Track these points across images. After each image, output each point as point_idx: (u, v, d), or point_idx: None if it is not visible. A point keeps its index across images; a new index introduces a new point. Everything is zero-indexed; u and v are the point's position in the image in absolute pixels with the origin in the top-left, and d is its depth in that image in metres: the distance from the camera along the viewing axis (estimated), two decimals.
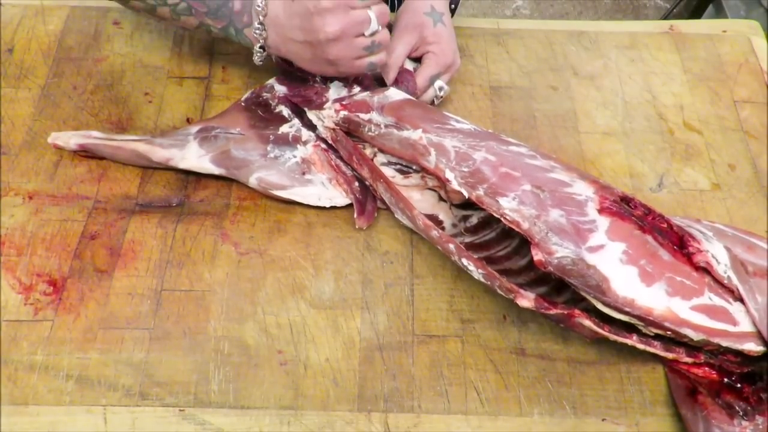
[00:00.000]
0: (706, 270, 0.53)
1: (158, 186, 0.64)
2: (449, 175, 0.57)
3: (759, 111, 0.72)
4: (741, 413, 0.51)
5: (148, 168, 0.65)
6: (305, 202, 0.63)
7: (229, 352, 0.55)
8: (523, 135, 0.69)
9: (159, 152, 0.62)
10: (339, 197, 0.63)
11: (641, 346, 0.53)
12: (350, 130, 0.64)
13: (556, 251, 0.52)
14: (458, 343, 0.57)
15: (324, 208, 0.64)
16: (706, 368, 0.54)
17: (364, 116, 0.63)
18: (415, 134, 0.60)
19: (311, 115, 0.65)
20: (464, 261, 0.56)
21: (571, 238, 0.52)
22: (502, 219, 0.54)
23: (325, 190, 0.63)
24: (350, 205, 0.64)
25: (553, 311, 0.52)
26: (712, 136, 0.70)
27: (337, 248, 0.62)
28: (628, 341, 0.53)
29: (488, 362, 0.56)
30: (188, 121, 0.69)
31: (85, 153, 0.65)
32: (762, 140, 0.70)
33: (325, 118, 0.64)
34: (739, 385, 0.53)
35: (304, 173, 0.63)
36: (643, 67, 0.76)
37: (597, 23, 0.81)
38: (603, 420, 0.54)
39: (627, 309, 0.51)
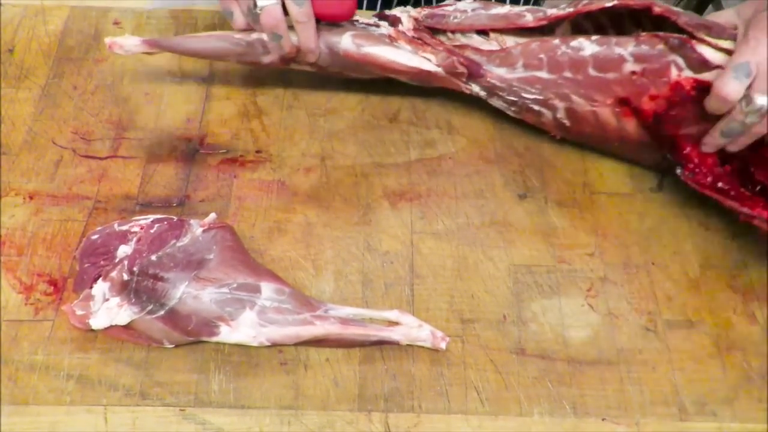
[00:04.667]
0: None
1: (158, 186, 0.64)
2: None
3: None
4: None
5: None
6: (397, 60, 0.64)
7: (229, 352, 0.55)
8: (524, 134, 0.70)
9: (241, 33, 0.64)
10: (426, 62, 0.65)
11: None
12: (432, 24, 0.66)
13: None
14: (458, 343, 0.57)
15: (325, 208, 0.64)
16: None
17: (448, 8, 0.67)
18: (504, 8, 0.65)
19: (397, 10, 0.68)
20: None
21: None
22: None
23: (414, 55, 0.65)
24: (350, 205, 0.64)
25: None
26: None
27: (337, 248, 0.62)
28: None
29: (488, 362, 0.56)
30: (189, 121, 0.69)
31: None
32: None
33: (411, 10, 0.67)
34: None
35: (392, 42, 0.65)
36: None
37: None
38: (603, 420, 0.54)
39: None
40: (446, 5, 0.68)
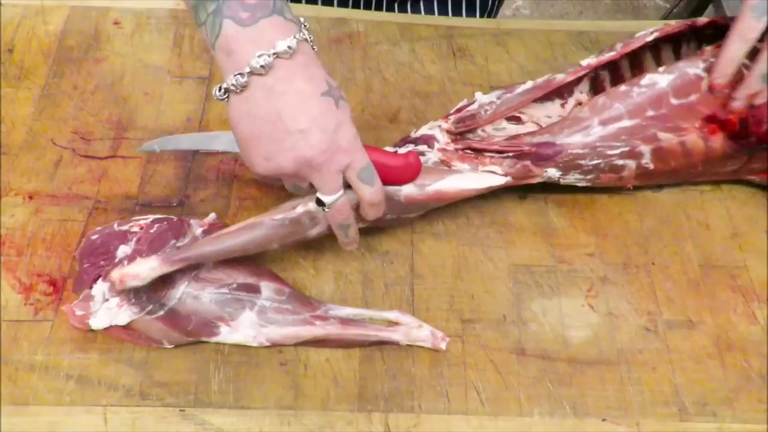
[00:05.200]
0: None
1: (158, 186, 0.64)
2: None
3: None
4: None
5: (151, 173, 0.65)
6: (468, 187, 0.59)
7: (229, 352, 0.55)
8: None
9: (280, 211, 0.55)
10: (494, 177, 0.60)
11: None
12: (465, 126, 0.62)
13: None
14: (458, 343, 0.57)
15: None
16: None
17: (472, 107, 0.63)
18: (527, 84, 0.63)
19: (425, 128, 0.62)
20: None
21: None
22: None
23: (481, 175, 0.60)
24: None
25: None
26: None
27: (337, 248, 0.61)
28: None
29: (488, 362, 0.56)
30: (188, 121, 0.69)
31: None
32: None
33: (440, 123, 0.62)
34: None
35: (449, 166, 0.60)
36: None
37: (597, 23, 0.81)
38: (603, 420, 0.54)
39: None
40: (466, 106, 0.63)
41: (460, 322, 0.58)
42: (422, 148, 0.61)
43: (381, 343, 0.56)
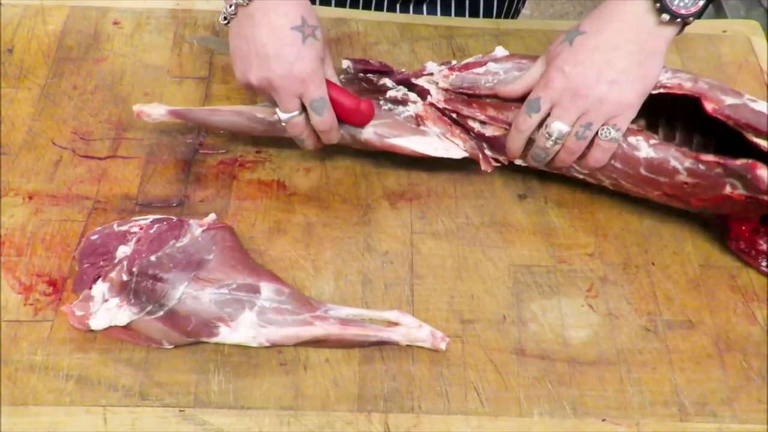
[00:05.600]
0: None
1: (158, 186, 0.64)
2: None
3: None
4: None
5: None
6: (422, 151, 0.63)
7: (229, 352, 0.55)
8: None
9: (263, 111, 0.64)
10: (455, 149, 0.64)
11: None
12: (463, 89, 0.64)
13: (725, 100, 0.57)
14: (458, 343, 0.57)
15: (324, 208, 0.64)
16: None
17: (479, 70, 0.64)
18: (537, 67, 0.60)
19: (422, 81, 0.66)
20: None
21: (726, 92, 0.57)
22: (662, 89, 0.58)
23: (440, 142, 0.64)
24: (350, 205, 0.64)
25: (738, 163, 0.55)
26: None
27: (337, 248, 0.62)
28: None
29: (488, 362, 0.56)
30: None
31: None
32: None
33: (440, 80, 0.65)
34: None
35: (419, 125, 0.64)
36: None
37: None
38: (603, 420, 0.54)
39: None
40: (477, 64, 0.65)
41: (460, 322, 0.58)
42: (412, 96, 0.66)
43: (381, 344, 0.56)
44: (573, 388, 0.55)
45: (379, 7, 0.84)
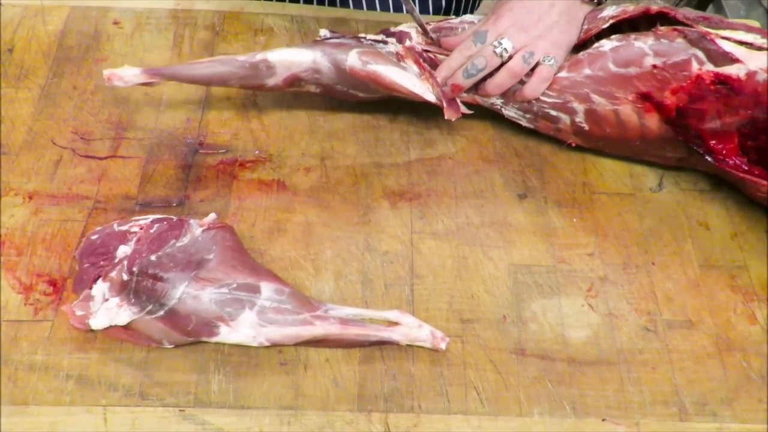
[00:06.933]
0: None
1: (158, 186, 0.64)
2: None
3: None
4: None
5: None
6: (401, 83, 0.63)
7: (229, 352, 0.55)
8: (524, 134, 0.69)
9: (243, 55, 0.64)
10: (428, 91, 0.65)
11: None
12: (440, 34, 0.68)
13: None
14: (458, 343, 0.57)
15: (324, 208, 0.64)
16: None
17: (454, 20, 0.69)
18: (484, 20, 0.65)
19: (403, 26, 0.69)
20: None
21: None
22: (611, 20, 0.63)
23: (418, 80, 0.65)
24: (350, 204, 0.64)
25: None
26: None
27: (337, 248, 0.62)
28: None
29: (488, 362, 0.56)
30: (188, 121, 0.69)
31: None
32: None
33: (418, 26, 0.68)
34: None
35: (399, 61, 0.66)
36: None
37: None
38: (603, 420, 0.54)
39: None
40: (452, 19, 0.69)
41: (460, 322, 0.58)
42: (391, 40, 0.68)
43: (381, 343, 0.56)
44: (573, 388, 0.55)
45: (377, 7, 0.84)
